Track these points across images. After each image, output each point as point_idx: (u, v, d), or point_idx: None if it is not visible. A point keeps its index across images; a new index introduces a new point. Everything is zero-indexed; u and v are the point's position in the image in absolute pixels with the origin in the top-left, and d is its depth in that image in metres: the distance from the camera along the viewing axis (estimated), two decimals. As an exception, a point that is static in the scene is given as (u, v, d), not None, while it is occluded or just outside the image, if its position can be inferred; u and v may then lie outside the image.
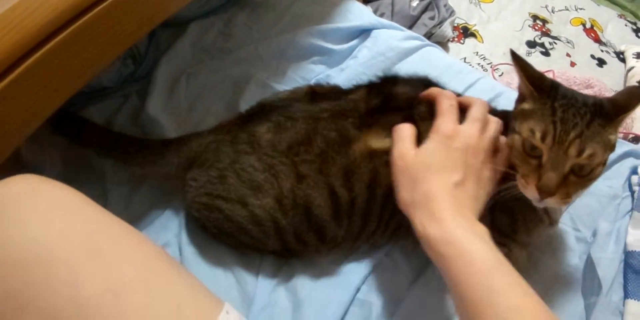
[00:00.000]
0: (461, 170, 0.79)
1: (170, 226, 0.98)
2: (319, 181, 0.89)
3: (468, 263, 0.69)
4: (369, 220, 0.93)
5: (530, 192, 0.82)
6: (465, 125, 0.84)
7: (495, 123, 0.88)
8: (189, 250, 0.95)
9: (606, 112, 0.83)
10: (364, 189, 0.90)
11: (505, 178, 0.87)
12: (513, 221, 0.94)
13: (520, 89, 0.89)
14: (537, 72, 0.86)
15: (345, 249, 0.98)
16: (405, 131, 0.84)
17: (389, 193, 0.86)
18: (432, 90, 0.91)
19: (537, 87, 0.85)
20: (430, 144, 0.81)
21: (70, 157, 1.03)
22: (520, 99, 0.89)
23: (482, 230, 0.74)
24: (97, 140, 1.00)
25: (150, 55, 1.20)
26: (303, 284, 0.94)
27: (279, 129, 0.92)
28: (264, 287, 0.94)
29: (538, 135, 0.81)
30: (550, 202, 0.83)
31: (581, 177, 0.83)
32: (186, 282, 0.60)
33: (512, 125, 0.88)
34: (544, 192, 0.81)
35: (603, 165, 0.84)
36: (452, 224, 0.73)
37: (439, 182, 0.77)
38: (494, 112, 0.95)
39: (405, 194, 0.79)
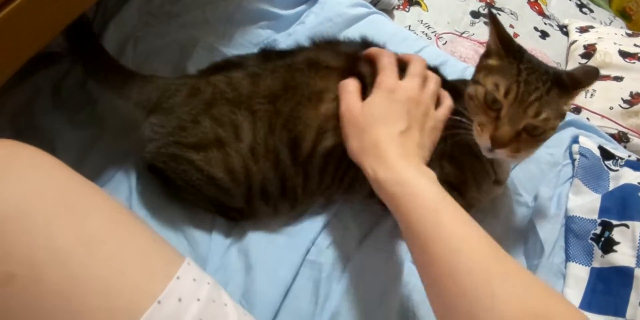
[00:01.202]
0: (405, 120, 0.87)
1: (120, 190, 1.00)
2: (286, 131, 0.94)
3: (416, 200, 0.76)
4: (325, 175, 0.98)
5: (484, 140, 0.91)
6: (405, 80, 0.93)
7: (434, 78, 0.97)
8: (141, 214, 0.97)
9: (564, 84, 0.92)
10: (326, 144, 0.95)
11: (456, 126, 0.96)
12: (461, 172, 1.01)
13: (488, 45, 0.98)
14: (508, 35, 0.95)
15: (303, 203, 1.03)
16: (350, 86, 0.92)
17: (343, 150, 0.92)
18: (372, 50, 0.99)
19: (505, 46, 0.93)
20: (374, 97, 0.90)
21: (19, 125, 1.05)
22: (486, 55, 0.98)
23: (430, 173, 0.82)
24: (83, 41, 1.05)
25: (98, 19, 1.21)
26: (254, 246, 0.98)
27: (254, 77, 0.96)
28: (216, 249, 0.97)
29: (502, 90, 0.90)
30: (500, 153, 0.92)
31: (532, 136, 0.92)
32: (151, 236, 0.66)
33: (475, 77, 0.97)
34: (497, 143, 0.90)
35: (553, 130, 0.94)
36: (400, 166, 0.80)
37: (386, 131, 0.85)
38: (444, 82, 1.02)
39: (354, 144, 0.87)
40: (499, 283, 0.66)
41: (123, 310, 0.55)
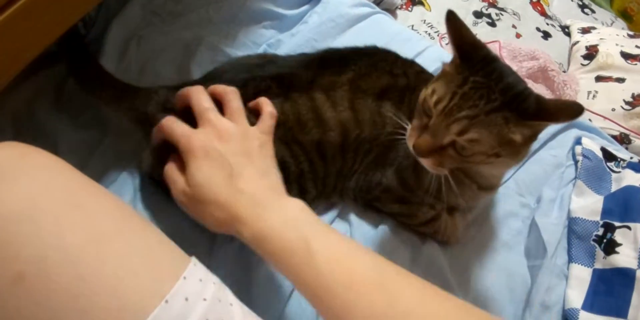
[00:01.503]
0: (226, 163, 0.81)
1: (124, 193, 1.00)
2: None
3: (286, 253, 0.71)
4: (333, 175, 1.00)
5: (409, 146, 0.87)
6: (199, 126, 0.86)
7: (230, 93, 0.90)
8: (145, 215, 0.96)
9: (524, 109, 0.82)
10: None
11: None
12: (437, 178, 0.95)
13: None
14: (472, 40, 0.87)
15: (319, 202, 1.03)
16: (169, 173, 0.85)
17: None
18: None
19: (464, 54, 0.86)
20: (188, 168, 0.81)
21: (20, 126, 1.04)
22: (452, 59, 0.89)
23: (290, 206, 0.78)
24: (77, 58, 1.03)
25: (101, 18, 1.21)
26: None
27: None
28: (219, 251, 0.97)
29: (434, 98, 0.84)
30: (424, 163, 0.88)
31: (460, 155, 0.85)
32: (157, 236, 0.66)
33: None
34: (417, 151, 0.86)
35: (495, 156, 0.85)
36: (258, 218, 0.75)
37: (219, 188, 0.78)
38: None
39: (212, 222, 0.80)
40: None
41: (131, 309, 0.56)
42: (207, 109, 0.87)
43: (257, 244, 0.74)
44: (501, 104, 0.81)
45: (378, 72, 1.02)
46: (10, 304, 0.54)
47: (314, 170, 0.98)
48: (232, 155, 0.82)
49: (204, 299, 0.60)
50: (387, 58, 1.06)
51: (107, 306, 0.55)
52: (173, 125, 0.86)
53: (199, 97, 0.88)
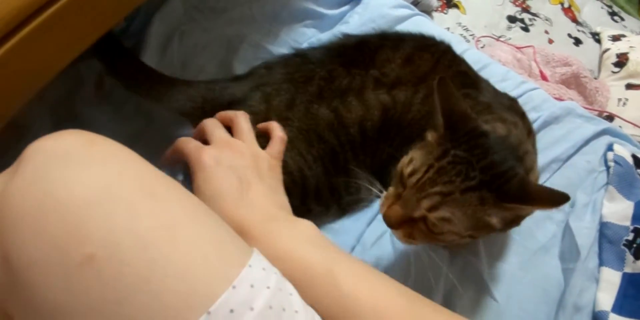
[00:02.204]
0: (236, 179, 0.80)
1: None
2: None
3: (307, 272, 0.69)
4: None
5: (381, 213, 0.84)
6: (211, 143, 0.86)
7: (239, 116, 0.91)
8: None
9: (504, 191, 0.77)
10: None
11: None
12: None
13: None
14: (462, 110, 0.82)
15: (350, 204, 1.04)
16: None
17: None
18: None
19: (450, 122, 0.81)
20: (196, 181, 0.81)
21: (59, 116, 1.05)
22: (436, 126, 0.84)
23: (305, 227, 0.77)
24: (116, 57, 1.04)
25: (142, 11, 1.21)
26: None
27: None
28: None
29: (410, 168, 0.80)
30: (394, 234, 0.84)
31: (431, 231, 0.80)
32: (223, 225, 0.67)
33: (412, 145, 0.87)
34: (386, 221, 0.82)
35: (470, 237, 0.82)
36: (270, 236, 0.73)
37: (226, 204, 0.77)
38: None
39: None
40: None
41: (200, 293, 0.57)
42: (216, 125, 0.89)
43: (271, 262, 0.68)
44: (480, 183, 0.76)
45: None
46: (79, 285, 0.55)
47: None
48: (242, 167, 0.82)
49: (268, 287, 0.61)
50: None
51: (177, 289, 0.56)
52: (185, 141, 0.86)
53: (211, 125, 0.90)
